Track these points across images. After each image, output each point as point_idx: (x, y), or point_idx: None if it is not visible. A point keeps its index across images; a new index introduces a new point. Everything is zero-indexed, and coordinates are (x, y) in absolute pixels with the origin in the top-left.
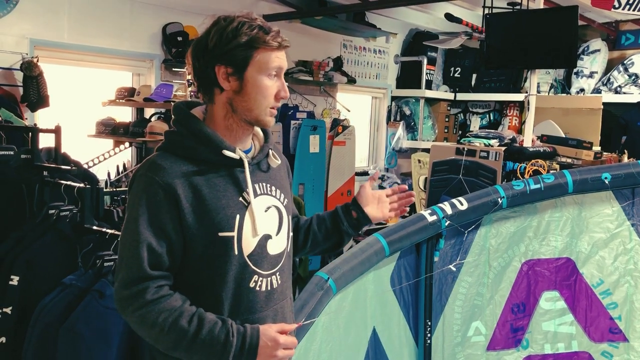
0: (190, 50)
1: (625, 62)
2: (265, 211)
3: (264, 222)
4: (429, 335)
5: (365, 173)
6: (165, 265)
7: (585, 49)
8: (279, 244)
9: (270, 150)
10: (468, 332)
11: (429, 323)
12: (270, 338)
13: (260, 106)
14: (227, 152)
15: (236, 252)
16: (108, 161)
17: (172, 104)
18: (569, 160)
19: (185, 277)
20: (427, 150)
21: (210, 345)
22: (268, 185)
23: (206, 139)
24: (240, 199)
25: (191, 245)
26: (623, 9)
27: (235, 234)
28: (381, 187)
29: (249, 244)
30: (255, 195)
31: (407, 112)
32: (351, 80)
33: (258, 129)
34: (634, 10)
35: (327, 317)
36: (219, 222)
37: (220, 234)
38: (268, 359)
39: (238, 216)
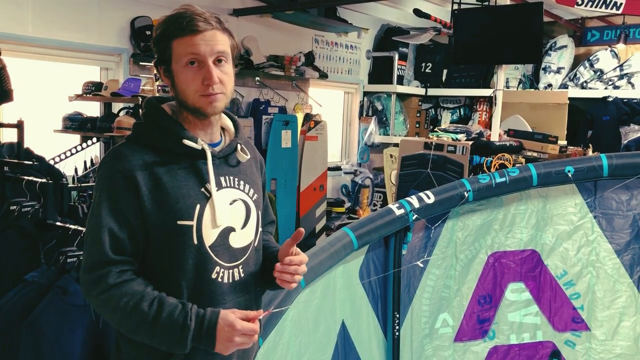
0: None
1: (590, 58)
2: (230, 204)
3: (227, 214)
4: (397, 327)
5: (337, 168)
6: (127, 250)
7: (553, 45)
8: (243, 238)
9: (239, 145)
10: (436, 323)
11: (398, 315)
12: (228, 322)
13: (188, 96)
14: (187, 142)
15: (195, 242)
16: (75, 157)
17: (140, 98)
18: (535, 154)
19: (147, 264)
20: (399, 145)
21: (170, 328)
22: (236, 179)
23: (169, 128)
24: (202, 189)
25: (152, 232)
26: (585, 5)
27: (194, 223)
28: (354, 182)
29: (209, 235)
30: (220, 187)
31: (379, 107)
32: (323, 75)
33: (228, 123)
34: (595, 6)
35: (295, 310)
36: (178, 210)
37: (179, 222)
38: (225, 343)
39: (198, 206)
